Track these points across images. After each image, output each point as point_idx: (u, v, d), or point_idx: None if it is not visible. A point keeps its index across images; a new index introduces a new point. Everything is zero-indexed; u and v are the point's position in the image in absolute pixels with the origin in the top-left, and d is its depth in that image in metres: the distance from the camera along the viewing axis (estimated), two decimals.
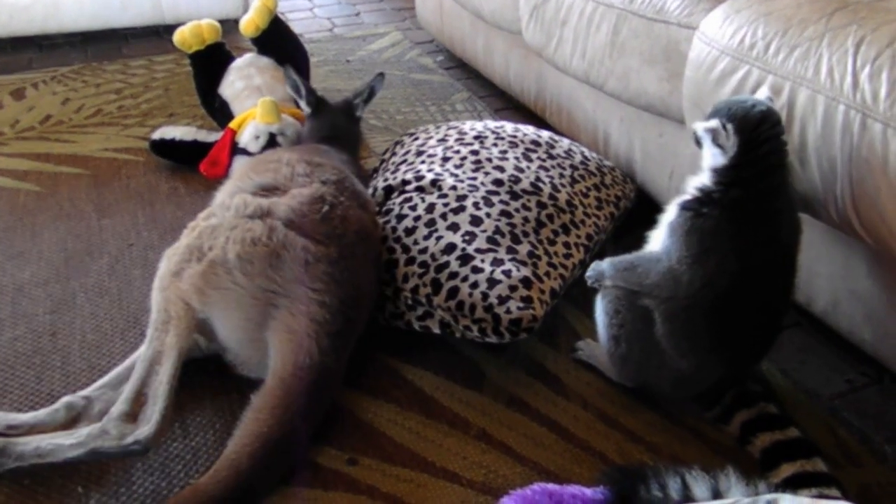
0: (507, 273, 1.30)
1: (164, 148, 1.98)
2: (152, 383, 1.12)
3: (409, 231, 1.40)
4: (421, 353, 1.36)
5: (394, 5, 3.46)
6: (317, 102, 1.77)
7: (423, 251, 1.35)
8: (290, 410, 1.09)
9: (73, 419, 1.16)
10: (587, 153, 1.70)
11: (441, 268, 1.32)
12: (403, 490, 1.11)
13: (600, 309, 1.23)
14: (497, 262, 1.32)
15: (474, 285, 1.28)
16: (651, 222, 1.20)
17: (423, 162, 1.59)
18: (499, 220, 1.40)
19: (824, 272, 1.29)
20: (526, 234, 1.39)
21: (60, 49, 2.88)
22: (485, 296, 1.26)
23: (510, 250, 1.35)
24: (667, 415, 1.24)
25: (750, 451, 1.16)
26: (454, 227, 1.38)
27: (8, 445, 1.08)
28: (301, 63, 2.19)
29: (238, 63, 2.06)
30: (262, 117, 1.79)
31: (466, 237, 1.36)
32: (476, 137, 1.64)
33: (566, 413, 1.25)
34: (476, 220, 1.39)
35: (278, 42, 2.14)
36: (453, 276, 1.30)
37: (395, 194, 1.52)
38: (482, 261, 1.32)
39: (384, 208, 1.50)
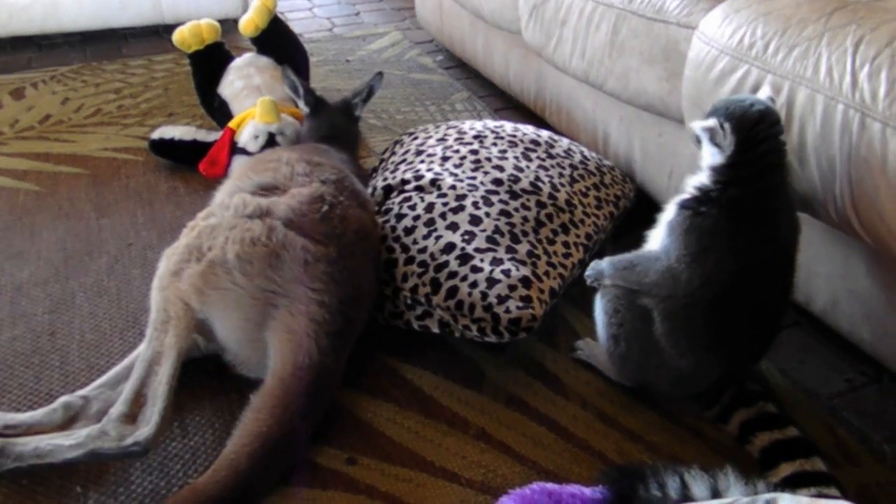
0: (507, 272, 1.30)
1: (164, 147, 1.98)
2: (151, 384, 1.12)
3: (409, 230, 1.40)
4: (420, 353, 1.36)
5: (393, 5, 3.46)
6: (315, 102, 1.77)
7: (423, 250, 1.35)
8: (290, 410, 1.09)
9: (70, 419, 1.16)
10: (586, 153, 1.70)
11: (440, 267, 1.32)
12: (402, 489, 1.11)
13: (599, 308, 1.24)
14: (496, 262, 1.32)
15: (473, 285, 1.28)
16: (650, 222, 1.20)
17: (422, 161, 1.59)
18: (498, 219, 1.40)
19: (823, 271, 1.29)
20: (525, 234, 1.39)
21: (60, 49, 2.88)
22: (484, 295, 1.26)
23: (509, 250, 1.35)
24: (666, 414, 1.24)
25: (749, 451, 1.16)
26: (453, 227, 1.38)
27: (7, 446, 1.08)
28: (300, 63, 2.19)
29: (237, 63, 2.06)
30: (261, 117, 1.79)
31: (466, 236, 1.36)
32: (475, 137, 1.64)
33: (565, 412, 1.25)
34: (475, 220, 1.39)
35: (278, 42, 2.14)
36: (452, 275, 1.30)
37: (395, 194, 1.52)
38: (481, 260, 1.32)
39: (383, 208, 1.50)
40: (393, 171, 1.62)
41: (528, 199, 1.46)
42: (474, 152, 1.57)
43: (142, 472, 1.13)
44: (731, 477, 0.88)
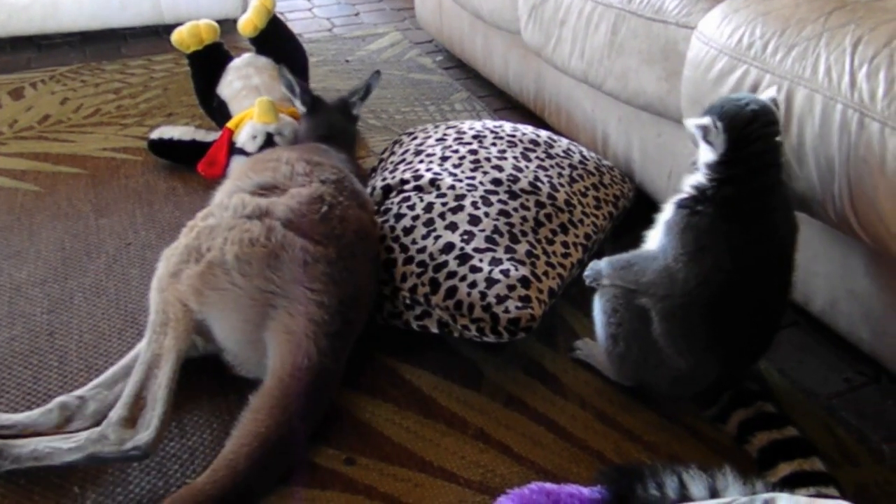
0: (506, 272, 1.30)
1: (163, 147, 1.98)
2: (151, 387, 1.12)
3: (408, 230, 1.40)
4: (419, 353, 1.36)
5: (393, 5, 3.46)
6: (312, 101, 1.77)
7: (422, 250, 1.35)
8: (289, 411, 1.09)
9: (66, 419, 1.15)
10: (586, 153, 1.70)
11: (439, 267, 1.32)
12: (401, 490, 1.11)
13: (598, 308, 1.23)
14: (495, 262, 1.32)
15: (472, 285, 1.28)
16: (649, 222, 1.20)
17: (421, 161, 1.59)
18: (497, 219, 1.40)
19: (822, 271, 1.29)
20: (524, 234, 1.39)
21: (59, 49, 2.88)
22: (483, 295, 1.26)
23: (508, 250, 1.35)
24: (665, 414, 1.24)
25: (747, 451, 1.16)
26: (452, 227, 1.38)
27: (4, 448, 1.07)
28: (299, 63, 2.19)
29: (236, 63, 2.06)
30: (259, 117, 1.79)
31: (465, 236, 1.36)
32: (475, 137, 1.64)
33: (564, 412, 1.25)
34: (474, 220, 1.39)
35: (276, 42, 2.14)
36: (451, 275, 1.30)
37: (394, 194, 1.52)
38: (480, 260, 1.32)
39: (382, 208, 1.50)
40: (392, 171, 1.62)
41: (527, 199, 1.46)
42: (473, 152, 1.57)
43: (140, 472, 1.13)
44: (730, 477, 0.88)
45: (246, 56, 2.08)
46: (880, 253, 1.16)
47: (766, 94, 1.12)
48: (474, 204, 1.42)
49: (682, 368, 1.16)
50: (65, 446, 1.07)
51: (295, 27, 2.66)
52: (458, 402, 1.27)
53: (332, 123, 1.74)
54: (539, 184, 1.50)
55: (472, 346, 1.37)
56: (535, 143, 1.64)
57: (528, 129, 1.70)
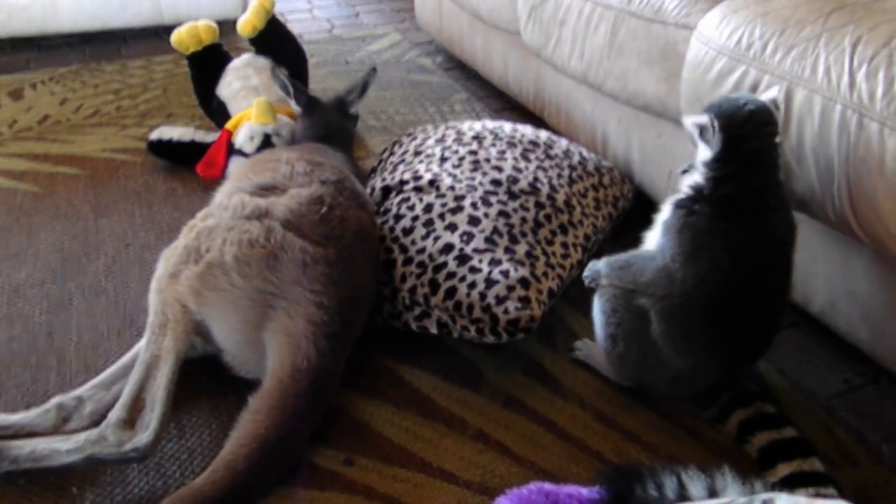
0: (505, 273, 1.29)
1: (162, 148, 1.98)
2: (150, 388, 1.12)
3: (407, 231, 1.40)
4: (418, 354, 1.36)
5: (393, 6, 3.46)
6: (307, 101, 1.76)
7: (421, 251, 1.35)
8: (288, 412, 1.09)
9: (63, 419, 1.15)
10: (585, 153, 1.70)
11: (439, 268, 1.32)
12: (400, 490, 1.10)
13: (597, 308, 1.23)
14: (495, 263, 1.32)
15: (472, 285, 1.28)
16: (649, 223, 1.20)
17: (421, 162, 1.59)
18: (497, 220, 1.40)
19: (822, 272, 1.29)
20: (524, 235, 1.39)
21: (59, 49, 2.88)
22: (482, 296, 1.26)
23: (508, 250, 1.35)
24: (664, 414, 1.24)
25: (747, 451, 1.16)
26: (452, 228, 1.38)
27: (3, 448, 1.07)
28: (299, 64, 2.19)
29: (235, 63, 2.06)
30: (256, 118, 1.79)
31: (464, 237, 1.36)
32: (474, 137, 1.63)
33: (563, 413, 1.25)
34: (474, 221, 1.39)
35: (276, 42, 2.14)
36: (451, 276, 1.30)
37: (393, 194, 1.52)
38: (480, 261, 1.32)
39: (382, 208, 1.50)
40: (391, 172, 1.62)
41: (526, 200, 1.46)
42: (473, 153, 1.57)
43: (138, 472, 1.13)
44: (729, 477, 0.88)
45: (245, 57, 2.08)
46: (879, 254, 1.16)
47: (767, 95, 1.12)
48: (474, 205, 1.42)
49: (682, 369, 1.16)
50: (63, 447, 1.07)
51: (295, 28, 2.66)
52: (457, 402, 1.27)
53: (328, 123, 1.74)
54: (538, 184, 1.50)
55: (471, 346, 1.37)
56: (534, 143, 1.64)
57: (527, 130, 1.70)
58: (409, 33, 3.08)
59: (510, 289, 1.27)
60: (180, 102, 2.39)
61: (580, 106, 1.91)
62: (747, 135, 1.06)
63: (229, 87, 2.00)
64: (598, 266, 1.22)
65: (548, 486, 0.98)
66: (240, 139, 1.80)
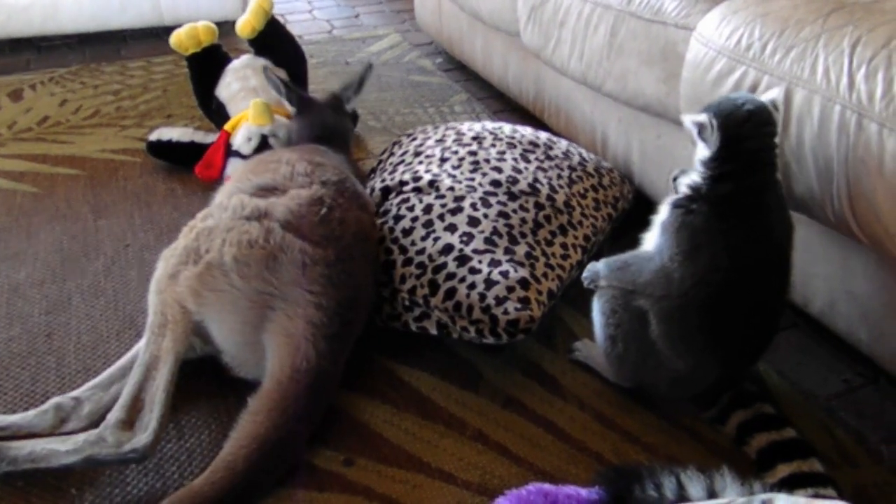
0: (505, 274, 1.29)
1: (161, 149, 1.98)
2: (149, 389, 1.12)
3: (407, 232, 1.40)
4: (418, 355, 1.36)
5: (393, 7, 3.47)
6: (301, 101, 1.74)
7: (421, 252, 1.35)
8: (287, 414, 1.09)
9: (61, 420, 1.15)
10: (585, 154, 1.70)
11: (438, 269, 1.32)
12: (399, 491, 1.10)
13: (597, 309, 1.23)
14: (494, 263, 1.32)
15: (472, 286, 1.28)
16: (649, 224, 1.20)
17: (420, 163, 1.59)
18: (496, 220, 1.40)
19: (821, 273, 1.29)
20: (524, 235, 1.39)
21: (58, 50, 2.88)
22: (482, 297, 1.26)
23: (508, 251, 1.35)
24: (663, 415, 1.24)
25: (746, 452, 1.16)
26: (452, 228, 1.38)
27: (1, 449, 1.07)
28: (298, 64, 2.19)
29: (234, 64, 2.06)
30: (254, 119, 1.78)
31: (464, 238, 1.36)
32: (474, 138, 1.63)
33: (563, 414, 1.24)
34: (474, 221, 1.39)
35: (275, 43, 2.14)
36: (451, 277, 1.30)
37: (393, 195, 1.52)
38: (480, 262, 1.32)
39: (381, 209, 1.50)
40: (391, 173, 1.62)
41: (526, 201, 1.46)
42: (473, 153, 1.57)
43: (137, 473, 1.13)
44: (728, 478, 0.88)
45: (244, 57, 2.08)
46: (879, 254, 1.16)
47: (767, 95, 1.12)
48: (473, 205, 1.42)
49: (681, 369, 1.15)
50: (62, 448, 1.07)
51: (295, 29, 2.66)
52: (456, 403, 1.27)
53: (325, 122, 1.71)
54: (538, 185, 1.50)
55: (470, 347, 1.36)
56: (534, 144, 1.64)
57: (527, 131, 1.70)
58: (409, 34, 3.08)
59: (510, 290, 1.27)
60: (180, 103, 2.39)
61: (580, 107, 1.91)
62: (745, 134, 1.07)
63: (228, 88, 2.00)
64: (597, 267, 1.22)
65: (547, 486, 0.98)
66: (237, 140, 1.80)
